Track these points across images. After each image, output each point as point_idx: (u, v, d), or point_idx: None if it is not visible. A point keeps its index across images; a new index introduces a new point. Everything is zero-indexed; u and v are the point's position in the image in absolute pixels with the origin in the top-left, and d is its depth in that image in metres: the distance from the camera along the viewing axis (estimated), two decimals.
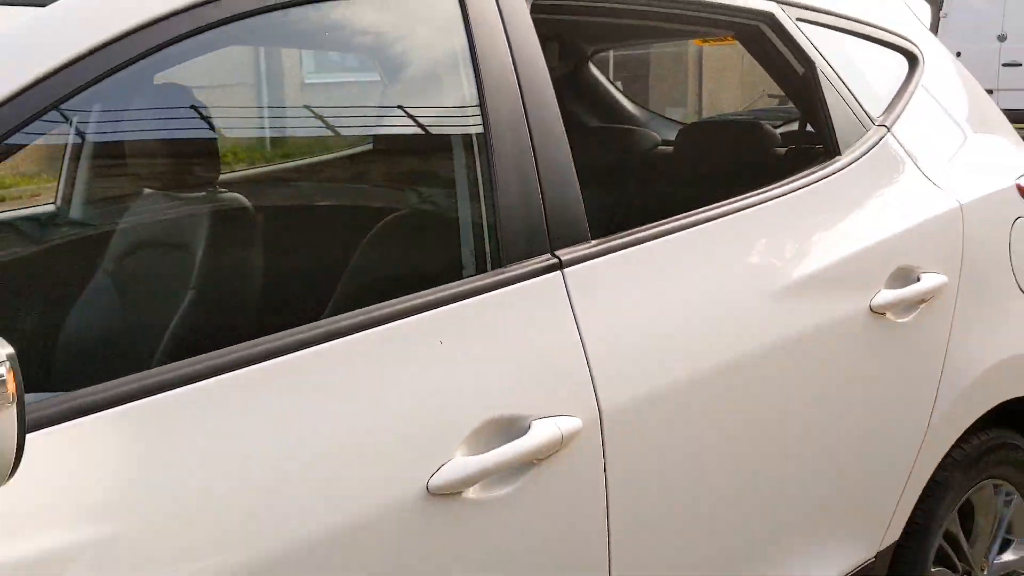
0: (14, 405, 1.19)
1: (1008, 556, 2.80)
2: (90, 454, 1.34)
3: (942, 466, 2.53)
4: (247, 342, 1.51)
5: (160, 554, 1.35)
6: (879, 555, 2.41)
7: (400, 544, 1.55)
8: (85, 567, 1.30)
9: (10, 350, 1.20)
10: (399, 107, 2.62)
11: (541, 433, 1.69)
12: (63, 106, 1.44)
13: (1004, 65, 16.62)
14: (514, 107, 1.83)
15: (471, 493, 1.63)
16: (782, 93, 2.81)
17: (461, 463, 1.61)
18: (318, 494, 1.48)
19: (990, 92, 15.91)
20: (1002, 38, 16.66)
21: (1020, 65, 16.73)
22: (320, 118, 4.45)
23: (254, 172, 3.38)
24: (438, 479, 1.58)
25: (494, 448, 1.64)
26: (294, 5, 1.67)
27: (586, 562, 1.79)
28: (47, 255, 2.69)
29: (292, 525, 1.45)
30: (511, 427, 1.68)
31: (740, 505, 2.04)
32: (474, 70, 1.82)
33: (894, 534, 2.44)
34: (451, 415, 1.63)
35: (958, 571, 2.67)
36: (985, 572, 2.74)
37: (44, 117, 1.42)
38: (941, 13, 17.45)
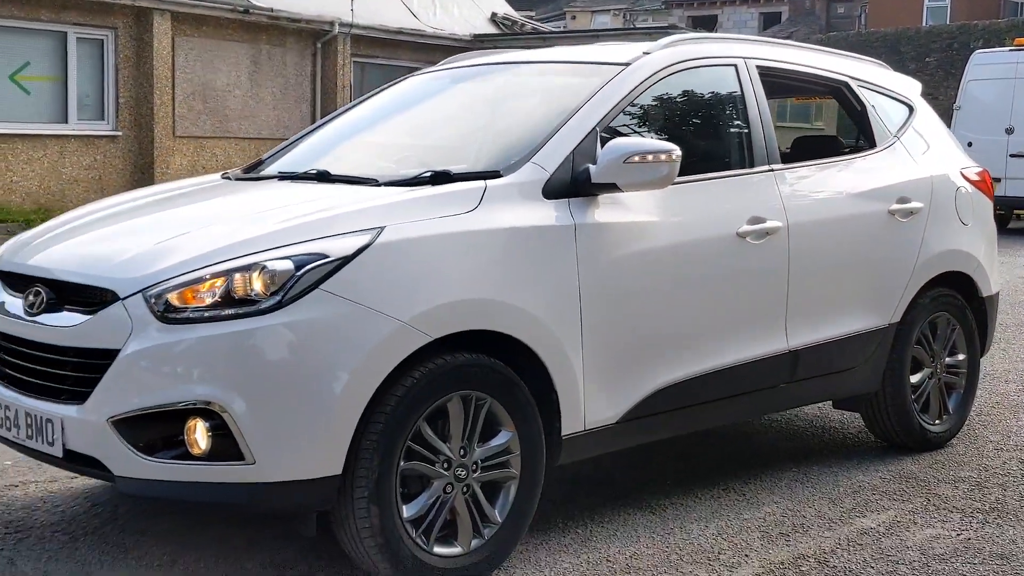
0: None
1: (955, 359, 6.01)
2: None
3: (917, 295, 5.74)
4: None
5: None
6: (890, 325, 5.62)
7: (720, 258, 4.78)
8: None
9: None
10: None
11: (772, 225, 4.93)
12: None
13: (1011, 156, 19.59)
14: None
15: (751, 239, 4.86)
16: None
17: (748, 228, 4.84)
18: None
19: (997, 180, 18.82)
20: (1010, 131, 19.49)
21: None
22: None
23: None
24: (741, 230, 4.82)
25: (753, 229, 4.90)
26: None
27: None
28: None
29: None
30: (760, 222, 4.93)
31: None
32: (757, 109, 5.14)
33: (897, 317, 5.66)
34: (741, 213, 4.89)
35: (928, 357, 5.88)
36: (937, 366, 5.95)
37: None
38: (955, 106, 20.57)
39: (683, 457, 5.64)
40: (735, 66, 5.24)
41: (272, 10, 19.87)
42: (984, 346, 6.27)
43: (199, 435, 3.64)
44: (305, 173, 4.80)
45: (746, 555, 4.38)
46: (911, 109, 6.14)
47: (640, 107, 4.82)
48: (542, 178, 4.31)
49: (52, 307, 3.96)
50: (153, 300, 3.70)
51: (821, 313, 5.29)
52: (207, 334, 3.65)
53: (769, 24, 45.43)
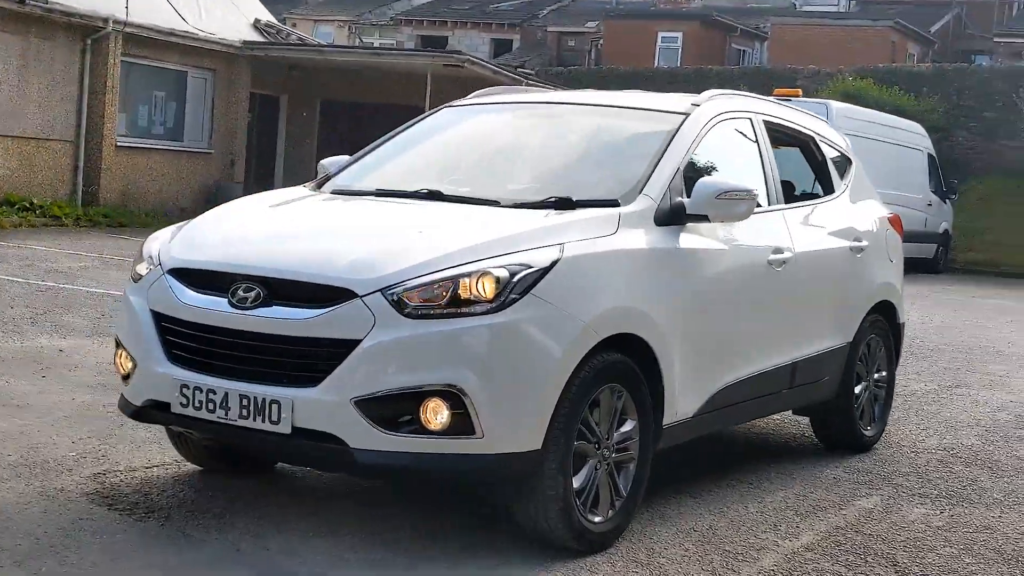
0: None
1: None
2: None
3: (863, 319, 7.10)
4: None
5: None
6: (847, 344, 6.95)
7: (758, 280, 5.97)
8: None
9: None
10: None
11: (787, 255, 6.17)
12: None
13: None
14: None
15: (775, 267, 6.07)
16: None
17: (773, 257, 6.07)
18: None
19: None
20: None
21: None
22: None
23: None
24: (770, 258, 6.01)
25: None
26: None
27: None
28: None
29: None
30: (779, 252, 6.16)
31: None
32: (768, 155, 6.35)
33: (851, 337, 6.99)
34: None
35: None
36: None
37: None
38: None
39: (687, 463, 6.76)
40: (750, 119, 6.45)
41: (48, 2, 19.73)
42: (896, 364, 7.75)
43: (437, 413, 4.47)
44: (416, 192, 5.63)
45: (797, 525, 5.54)
46: (850, 161, 7.53)
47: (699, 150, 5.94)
48: (652, 207, 5.35)
49: (263, 302, 4.66)
50: (394, 298, 4.51)
51: (812, 331, 6.57)
52: (447, 328, 4.50)
53: (500, 51, 47.55)
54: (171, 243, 5.19)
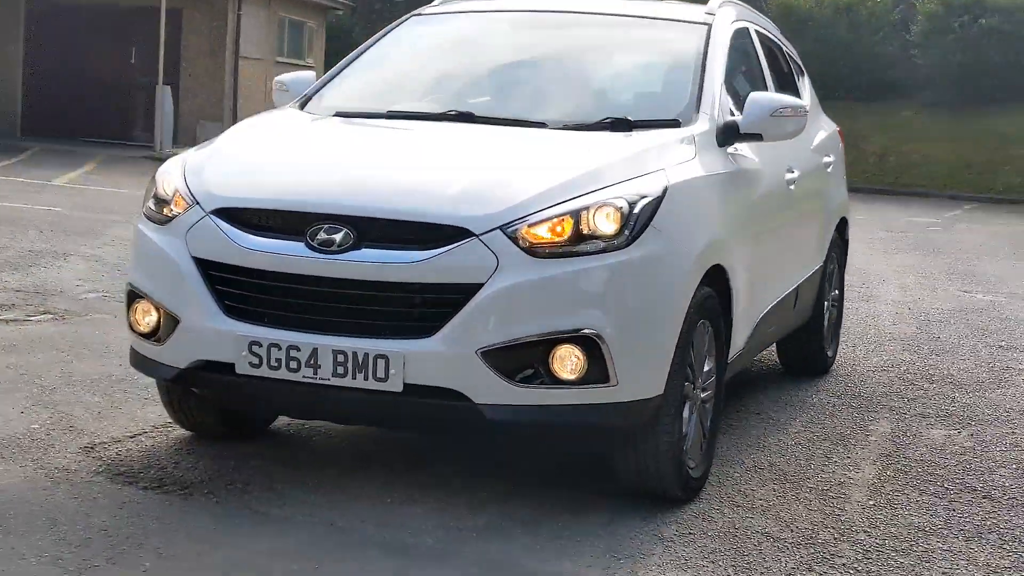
0: None
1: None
2: None
3: (833, 234, 7.07)
4: None
5: None
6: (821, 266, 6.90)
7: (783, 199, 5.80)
8: None
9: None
10: None
11: (796, 175, 6.02)
12: None
13: None
14: None
15: (791, 187, 5.90)
16: None
17: (788, 176, 5.89)
18: None
19: None
20: None
21: None
22: None
23: None
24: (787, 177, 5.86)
25: None
26: None
27: None
28: None
29: None
30: (791, 172, 6.00)
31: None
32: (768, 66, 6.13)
33: (823, 259, 6.93)
34: None
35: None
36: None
37: None
38: None
39: None
40: (747, 28, 6.23)
41: None
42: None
43: (570, 361, 4.10)
44: (445, 113, 5.16)
45: (847, 456, 5.47)
46: (804, 73, 7.44)
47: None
48: (713, 128, 5.08)
49: (352, 245, 4.16)
50: (515, 235, 4.09)
51: (808, 252, 6.49)
52: (579, 268, 4.12)
53: None
54: (205, 176, 4.56)
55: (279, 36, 27.74)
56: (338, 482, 4.71)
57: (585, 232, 4.17)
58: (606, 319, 4.13)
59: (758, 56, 6.22)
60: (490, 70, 5.74)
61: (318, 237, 4.18)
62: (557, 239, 4.15)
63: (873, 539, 4.43)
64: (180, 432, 5.20)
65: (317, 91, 5.61)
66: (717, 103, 5.20)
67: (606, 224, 4.19)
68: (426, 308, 4.12)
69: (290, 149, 4.88)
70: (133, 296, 4.59)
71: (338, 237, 4.15)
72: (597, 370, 4.14)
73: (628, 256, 4.19)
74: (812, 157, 6.67)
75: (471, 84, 5.63)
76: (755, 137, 5.24)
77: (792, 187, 6.00)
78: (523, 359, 4.11)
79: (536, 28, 6.01)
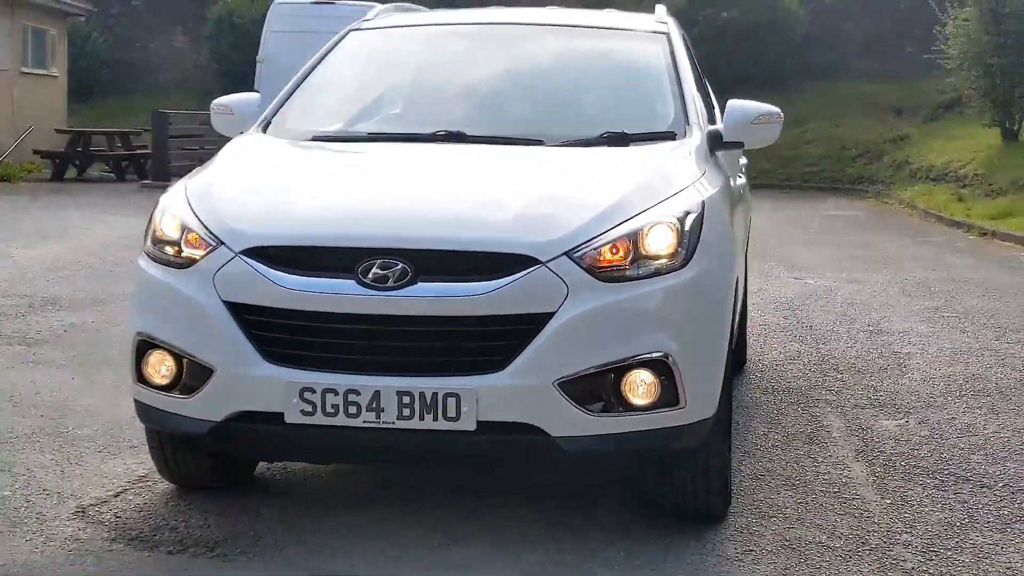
0: None
1: None
2: None
3: None
4: None
5: None
6: None
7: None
8: None
9: None
10: None
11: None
12: None
13: None
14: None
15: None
16: None
17: None
18: None
19: None
20: None
21: None
22: None
23: None
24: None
25: None
26: None
27: None
28: None
29: None
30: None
31: None
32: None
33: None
34: None
35: None
36: None
37: None
38: (258, 58, 20.77)
39: None
40: (682, 37, 6.29)
41: None
42: None
43: (642, 386, 4.05)
44: (434, 134, 5.01)
45: (829, 453, 5.60)
46: None
47: None
48: (704, 138, 5.11)
49: (409, 280, 3.99)
50: (582, 261, 4.01)
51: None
52: (644, 290, 4.07)
53: None
54: (221, 213, 4.28)
55: (23, 45, 26.38)
56: (381, 524, 4.53)
57: (643, 252, 4.14)
58: (674, 340, 4.09)
59: (695, 63, 6.29)
60: (463, 87, 5.56)
61: (371, 274, 3.99)
62: (617, 262, 4.09)
63: (919, 539, 4.53)
64: (164, 485, 4.88)
65: (274, 114, 5.37)
66: (701, 113, 5.26)
67: (662, 242, 4.16)
68: (494, 341, 3.99)
69: (303, 179, 4.62)
70: (145, 346, 4.28)
71: (393, 273, 3.98)
72: (668, 393, 4.09)
73: (688, 275, 4.16)
74: (736, 164, 6.81)
75: (446, 102, 5.44)
76: (737, 145, 5.30)
77: (743, 193, 6.12)
78: (595, 387, 4.02)
79: (492, 41, 5.89)
